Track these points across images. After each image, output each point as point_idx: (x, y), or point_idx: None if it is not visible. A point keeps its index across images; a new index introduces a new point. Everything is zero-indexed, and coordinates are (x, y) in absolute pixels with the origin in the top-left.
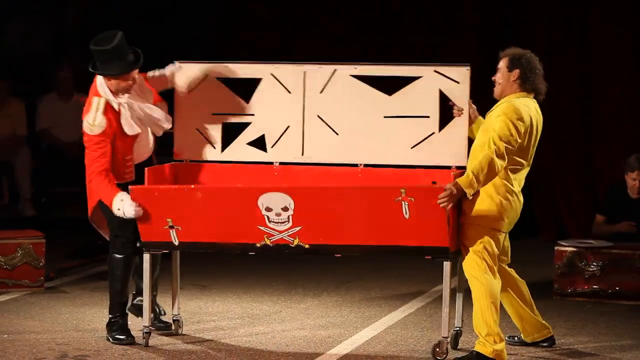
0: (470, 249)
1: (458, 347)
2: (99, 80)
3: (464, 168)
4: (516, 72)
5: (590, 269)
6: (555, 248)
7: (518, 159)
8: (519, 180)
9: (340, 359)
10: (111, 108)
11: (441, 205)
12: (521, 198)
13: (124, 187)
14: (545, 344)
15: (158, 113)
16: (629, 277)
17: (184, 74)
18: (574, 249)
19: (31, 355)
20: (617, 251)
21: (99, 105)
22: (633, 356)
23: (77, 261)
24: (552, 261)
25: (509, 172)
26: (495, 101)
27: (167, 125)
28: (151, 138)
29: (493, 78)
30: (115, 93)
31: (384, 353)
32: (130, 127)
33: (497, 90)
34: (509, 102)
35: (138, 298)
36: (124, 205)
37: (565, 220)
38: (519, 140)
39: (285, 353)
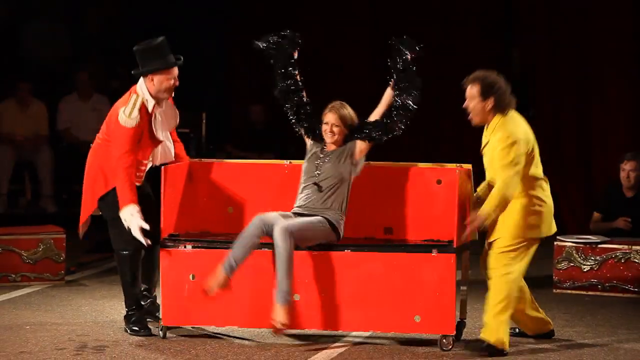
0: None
1: (461, 338)
2: (140, 82)
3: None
4: (490, 100)
5: (588, 263)
6: (555, 243)
7: (533, 169)
8: (541, 183)
9: (356, 344)
10: (145, 109)
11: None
12: (549, 200)
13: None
14: (545, 337)
15: (169, 143)
16: (625, 271)
17: None
18: (573, 244)
19: (52, 345)
20: (614, 246)
21: (136, 102)
22: (629, 346)
23: (96, 255)
24: (552, 256)
25: (533, 182)
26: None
27: (170, 158)
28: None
29: (465, 106)
30: (155, 96)
31: (391, 341)
32: (160, 131)
33: (475, 120)
34: (501, 128)
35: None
36: (131, 220)
37: (564, 218)
38: (523, 160)
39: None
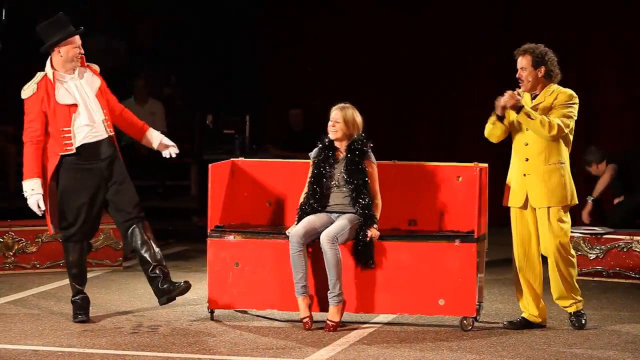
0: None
1: (479, 320)
2: (47, 62)
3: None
4: (542, 69)
5: (594, 252)
6: None
7: (570, 135)
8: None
9: (385, 325)
10: (47, 80)
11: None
12: None
13: (61, 158)
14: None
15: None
16: (627, 259)
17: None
18: (580, 235)
19: (111, 325)
20: (617, 237)
21: (36, 77)
22: (631, 327)
23: None
24: None
25: (567, 150)
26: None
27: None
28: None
29: (518, 76)
30: (63, 67)
31: (416, 323)
32: (73, 97)
33: (526, 87)
34: (562, 91)
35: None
36: (31, 195)
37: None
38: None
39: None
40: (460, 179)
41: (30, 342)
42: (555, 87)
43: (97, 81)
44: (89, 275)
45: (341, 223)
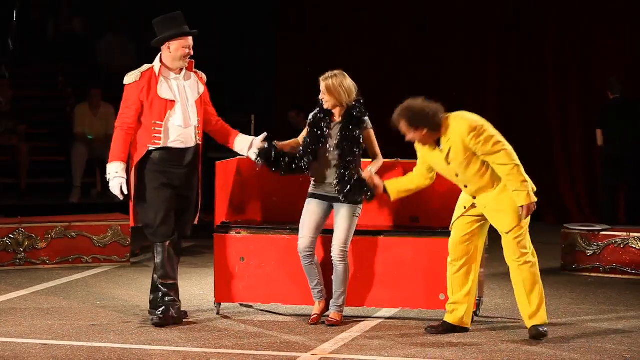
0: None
1: (479, 314)
2: (157, 57)
3: None
4: (422, 129)
5: (591, 248)
6: (562, 230)
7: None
8: None
9: (387, 319)
10: (152, 73)
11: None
12: None
13: (147, 153)
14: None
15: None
16: (624, 255)
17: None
18: (578, 232)
19: (119, 319)
20: (614, 233)
21: (142, 67)
22: (627, 322)
23: None
24: (559, 242)
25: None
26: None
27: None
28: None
29: (408, 140)
30: (171, 65)
31: (417, 317)
32: (174, 94)
33: (424, 144)
34: (456, 124)
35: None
36: (114, 177)
37: (571, 209)
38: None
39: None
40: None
41: (40, 336)
42: (449, 129)
43: (201, 88)
44: (96, 271)
45: (343, 227)
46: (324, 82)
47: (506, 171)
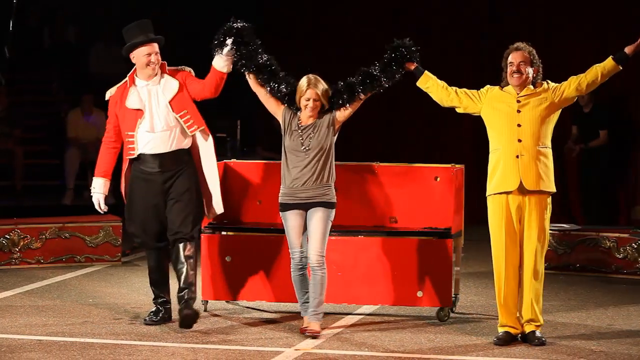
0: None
1: (455, 311)
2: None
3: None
4: (536, 69)
5: (562, 247)
6: None
7: None
8: None
9: (367, 315)
10: (125, 84)
11: None
12: None
13: (130, 163)
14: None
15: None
16: (593, 254)
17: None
18: (550, 232)
19: (111, 315)
20: (584, 233)
21: (121, 81)
22: (596, 318)
23: None
24: None
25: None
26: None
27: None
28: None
29: (517, 68)
30: (140, 73)
31: (396, 313)
32: (140, 102)
33: (523, 80)
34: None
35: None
36: (94, 193)
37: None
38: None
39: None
40: (438, 179)
41: (35, 332)
42: (541, 87)
43: (175, 84)
44: (88, 270)
45: (319, 232)
46: (316, 88)
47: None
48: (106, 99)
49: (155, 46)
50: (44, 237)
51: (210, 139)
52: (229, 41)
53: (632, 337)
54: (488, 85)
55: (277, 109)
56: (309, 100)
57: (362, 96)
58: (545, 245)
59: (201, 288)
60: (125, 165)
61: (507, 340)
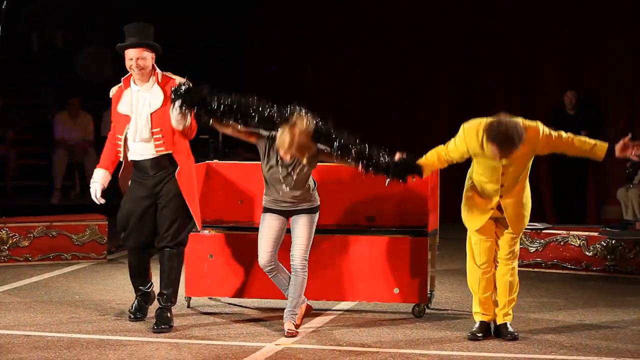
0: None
1: (431, 307)
2: None
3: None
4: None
5: (534, 245)
6: None
7: None
8: None
9: (345, 312)
10: (121, 86)
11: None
12: None
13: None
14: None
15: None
16: (564, 252)
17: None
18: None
19: (97, 312)
20: (555, 231)
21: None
22: (566, 314)
23: None
24: None
25: None
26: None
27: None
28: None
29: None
30: (133, 77)
31: (373, 310)
32: (122, 106)
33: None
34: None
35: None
36: (92, 183)
37: None
38: None
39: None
40: (414, 179)
41: (23, 328)
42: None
43: (160, 97)
44: (75, 267)
45: (304, 236)
46: (291, 151)
47: (576, 141)
48: (110, 96)
49: (142, 52)
50: (32, 236)
51: (190, 162)
52: (177, 104)
53: (601, 332)
54: (465, 126)
55: (254, 141)
56: (286, 155)
57: (352, 163)
58: (524, 224)
59: (185, 285)
60: (122, 165)
61: (482, 331)
